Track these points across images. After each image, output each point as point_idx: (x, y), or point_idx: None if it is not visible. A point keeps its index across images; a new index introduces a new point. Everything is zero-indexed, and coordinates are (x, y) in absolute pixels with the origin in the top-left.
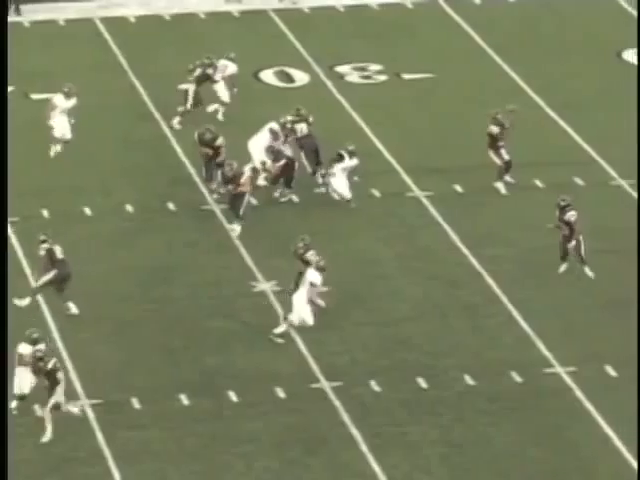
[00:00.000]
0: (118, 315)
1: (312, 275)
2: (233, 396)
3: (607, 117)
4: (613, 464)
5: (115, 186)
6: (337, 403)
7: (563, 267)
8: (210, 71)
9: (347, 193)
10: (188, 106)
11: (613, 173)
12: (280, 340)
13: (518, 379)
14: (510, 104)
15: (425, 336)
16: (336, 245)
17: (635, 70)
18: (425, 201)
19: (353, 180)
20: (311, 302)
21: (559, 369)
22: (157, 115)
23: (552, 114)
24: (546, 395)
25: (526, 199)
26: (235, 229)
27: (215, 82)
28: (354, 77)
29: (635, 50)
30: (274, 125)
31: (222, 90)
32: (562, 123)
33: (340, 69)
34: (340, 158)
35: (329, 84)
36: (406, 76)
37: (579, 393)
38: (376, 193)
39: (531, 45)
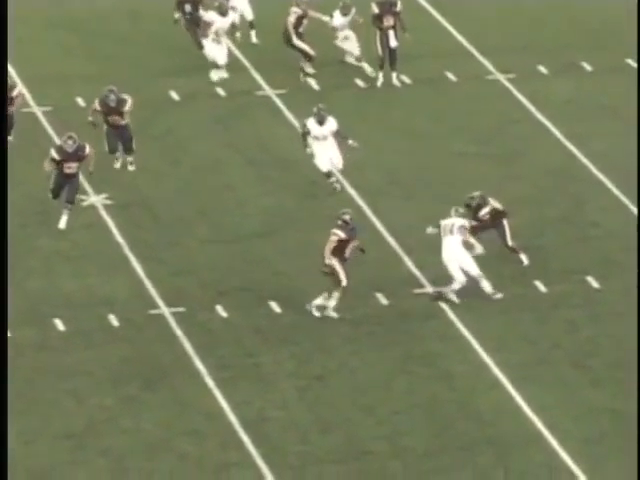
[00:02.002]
0: None
1: None
2: (60, 324)
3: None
4: (492, 395)
5: None
6: (179, 331)
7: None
8: None
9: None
10: None
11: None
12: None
13: (384, 301)
14: None
15: (279, 254)
16: (175, 151)
17: None
18: (278, 101)
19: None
20: None
21: (429, 288)
22: None
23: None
24: (416, 319)
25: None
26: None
27: None
28: None
29: None
30: None
31: None
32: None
33: None
34: None
35: None
36: None
37: (452, 316)
38: (221, 92)
39: None
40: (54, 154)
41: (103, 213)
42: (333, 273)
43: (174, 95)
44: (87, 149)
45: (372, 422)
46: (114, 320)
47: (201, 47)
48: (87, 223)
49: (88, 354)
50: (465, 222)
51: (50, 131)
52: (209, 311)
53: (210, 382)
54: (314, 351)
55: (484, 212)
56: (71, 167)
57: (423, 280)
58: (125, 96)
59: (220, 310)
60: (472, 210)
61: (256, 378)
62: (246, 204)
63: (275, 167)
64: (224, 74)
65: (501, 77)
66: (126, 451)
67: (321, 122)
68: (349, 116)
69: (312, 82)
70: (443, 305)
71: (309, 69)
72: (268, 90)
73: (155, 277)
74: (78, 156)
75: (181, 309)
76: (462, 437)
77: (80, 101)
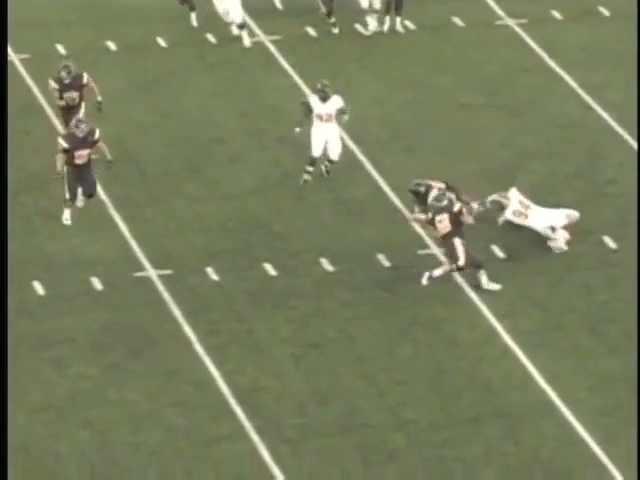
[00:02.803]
0: None
1: None
2: (39, 288)
3: None
4: (502, 364)
5: None
6: (167, 295)
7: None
8: None
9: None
10: None
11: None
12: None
13: (386, 263)
14: None
15: (274, 213)
16: (164, 103)
17: None
18: (272, 48)
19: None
20: None
21: (436, 250)
22: None
23: None
24: (419, 280)
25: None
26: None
27: None
28: None
29: None
30: None
31: None
32: None
33: None
34: None
35: None
36: None
37: (459, 279)
38: (211, 38)
39: None
40: (63, 143)
41: None
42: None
43: (161, 42)
44: (97, 133)
45: (373, 393)
46: (97, 283)
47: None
48: None
49: (69, 320)
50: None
51: (28, 80)
52: (199, 274)
53: (200, 349)
54: (311, 316)
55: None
56: (82, 156)
57: (428, 240)
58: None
59: (211, 273)
60: (421, 197)
61: (249, 345)
62: (239, 159)
63: (270, 119)
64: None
65: (512, 22)
66: (110, 423)
67: (324, 99)
68: (348, 65)
69: (310, 30)
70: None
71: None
72: (262, 36)
73: (141, 237)
74: (89, 142)
75: (169, 271)
76: (469, 409)
77: (60, 48)
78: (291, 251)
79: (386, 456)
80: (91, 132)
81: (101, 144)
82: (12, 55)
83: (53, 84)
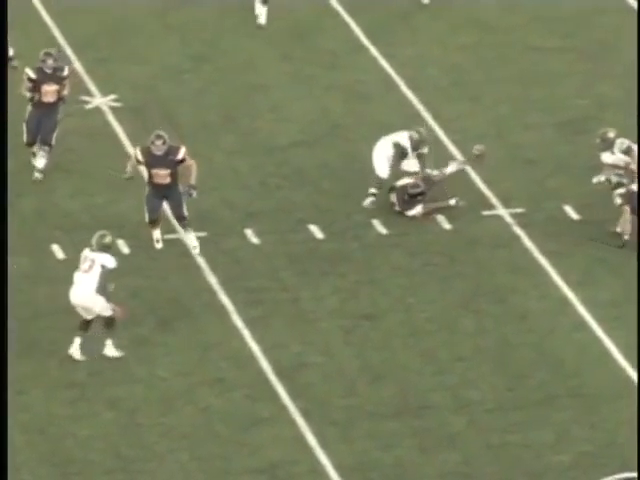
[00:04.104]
0: None
1: None
2: (59, 252)
3: None
4: (575, 339)
5: None
6: (201, 260)
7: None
8: None
9: None
10: None
11: None
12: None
13: (446, 225)
14: None
15: (321, 168)
16: (198, 45)
17: None
18: None
19: None
20: None
21: (502, 210)
22: None
23: None
24: (484, 246)
25: None
26: None
27: None
28: None
29: None
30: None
31: None
32: None
33: None
34: None
35: None
36: None
37: (528, 243)
38: None
39: None
40: (138, 155)
41: (111, 118)
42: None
43: None
44: (182, 152)
45: (431, 370)
46: (124, 246)
47: None
48: (91, 130)
49: None
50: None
51: None
52: (237, 236)
53: (238, 321)
54: (362, 285)
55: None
56: (160, 175)
57: (494, 200)
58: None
59: (250, 235)
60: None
61: (293, 317)
62: (281, 108)
63: (317, 63)
64: None
65: None
66: (138, 403)
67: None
68: (405, 4)
69: None
70: (517, 230)
71: None
72: None
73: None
74: (169, 162)
75: (203, 234)
76: (539, 389)
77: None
78: (340, 212)
79: (446, 441)
80: (172, 151)
81: (190, 163)
82: None
83: (30, 73)
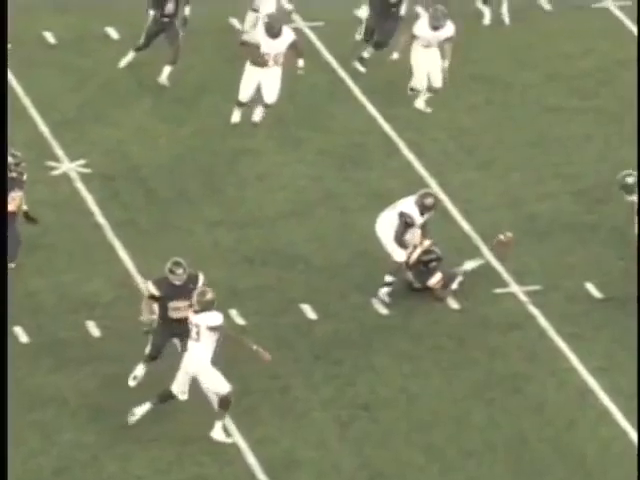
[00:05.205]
0: None
1: None
2: (22, 335)
3: None
4: (599, 432)
5: None
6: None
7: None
8: None
9: None
10: None
11: None
12: None
13: (454, 305)
14: None
15: (313, 241)
16: (176, 105)
17: None
18: (313, 36)
19: None
20: None
21: (516, 288)
22: None
23: None
24: (497, 327)
25: None
26: None
27: None
28: None
29: None
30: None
31: None
32: None
33: None
34: None
35: None
36: None
37: (545, 323)
38: (236, 24)
39: None
40: (153, 289)
41: (79, 186)
42: None
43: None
44: (201, 279)
45: (438, 468)
46: (94, 328)
47: None
48: (58, 199)
49: (59, 375)
50: None
51: None
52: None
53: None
54: (360, 371)
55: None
56: (180, 309)
57: (506, 276)
58: None
59: (235, 316)
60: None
61: (283, 407)
62: (270, 175)
63: (310, 125)
64: None
65: (611, 5)
66: None
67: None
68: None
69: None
70: (533, 310)
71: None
72: (299, 22)
73: (149, 272)
74: (189, 292)
75: None
76: None
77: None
78: (334, 290)
79: None
80: (192, 279)
81: (206, 299)
82: None
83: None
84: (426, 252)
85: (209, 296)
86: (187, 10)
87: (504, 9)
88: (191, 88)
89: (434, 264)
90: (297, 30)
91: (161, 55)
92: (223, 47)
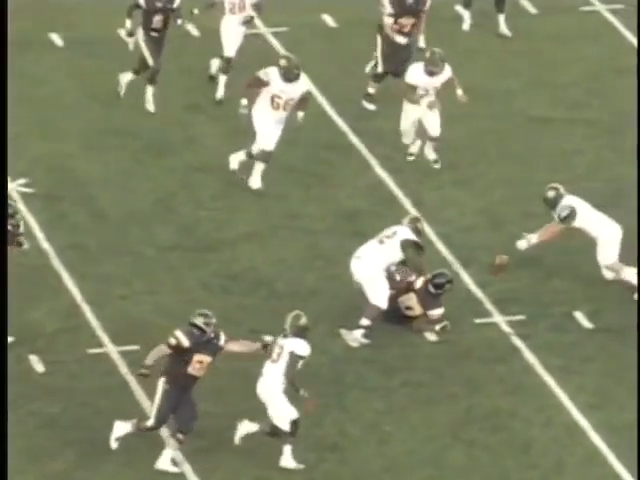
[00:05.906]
0: None
1: None
2: None
3: None
4: (590, 473)
5: None
6: (130, 379)
7: None
8: None
9: None
10: None
11: None
12: None
13: (431, 336)
14: None
15: (276, 264)
16: (126, 117)
17: None
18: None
19: None
20: None
21: (498, 317)
22: None
23: None
24: (478, 360)
25: None
26: None
27: None
28: None
29: None
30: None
31: None
32: None
33: None
34: None
35: None
36: None
37: (529, 356)
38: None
39: None
40: (183, 338)
41: (21, 207)
42: None
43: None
44: (222, 337)
45: None
46: (37, 363)
47: None
48: None
49: None
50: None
51: None
52: None
53: (177, 454)
54: (328, 409)
55: None
56: (203, 365)
57: (488, 305)
58: None
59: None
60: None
61: (245, 449)
62: (229, 194)
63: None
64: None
65: (602, 8)
66: None
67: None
68: None
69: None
70: (517, 341)
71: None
72: (262, 28)
73: (97, 301)
74: (214, 347)
75: (134, 347)
76: None
77: None
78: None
79: None
80: (216, 333)
81: (231, 346)
82: None
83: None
84: (440, 275)
85: (303, 321)
86: (179, 22)
87: (501, 24)
88: (143, 98)
89: (448, 286)
90: (260, 36)
91: (108, 63)
92: (179, 55)
